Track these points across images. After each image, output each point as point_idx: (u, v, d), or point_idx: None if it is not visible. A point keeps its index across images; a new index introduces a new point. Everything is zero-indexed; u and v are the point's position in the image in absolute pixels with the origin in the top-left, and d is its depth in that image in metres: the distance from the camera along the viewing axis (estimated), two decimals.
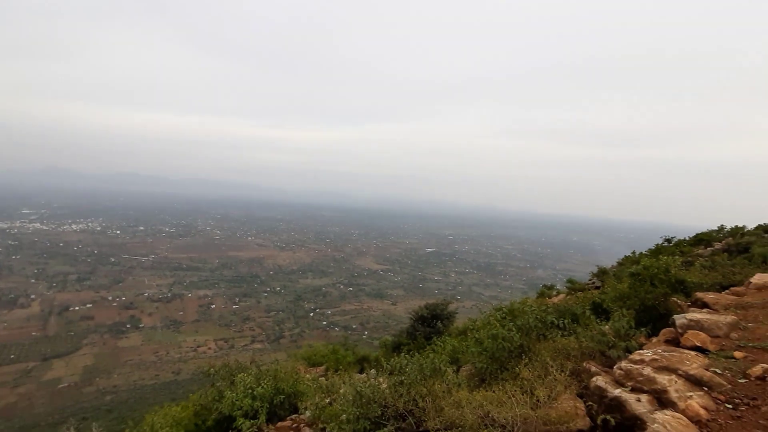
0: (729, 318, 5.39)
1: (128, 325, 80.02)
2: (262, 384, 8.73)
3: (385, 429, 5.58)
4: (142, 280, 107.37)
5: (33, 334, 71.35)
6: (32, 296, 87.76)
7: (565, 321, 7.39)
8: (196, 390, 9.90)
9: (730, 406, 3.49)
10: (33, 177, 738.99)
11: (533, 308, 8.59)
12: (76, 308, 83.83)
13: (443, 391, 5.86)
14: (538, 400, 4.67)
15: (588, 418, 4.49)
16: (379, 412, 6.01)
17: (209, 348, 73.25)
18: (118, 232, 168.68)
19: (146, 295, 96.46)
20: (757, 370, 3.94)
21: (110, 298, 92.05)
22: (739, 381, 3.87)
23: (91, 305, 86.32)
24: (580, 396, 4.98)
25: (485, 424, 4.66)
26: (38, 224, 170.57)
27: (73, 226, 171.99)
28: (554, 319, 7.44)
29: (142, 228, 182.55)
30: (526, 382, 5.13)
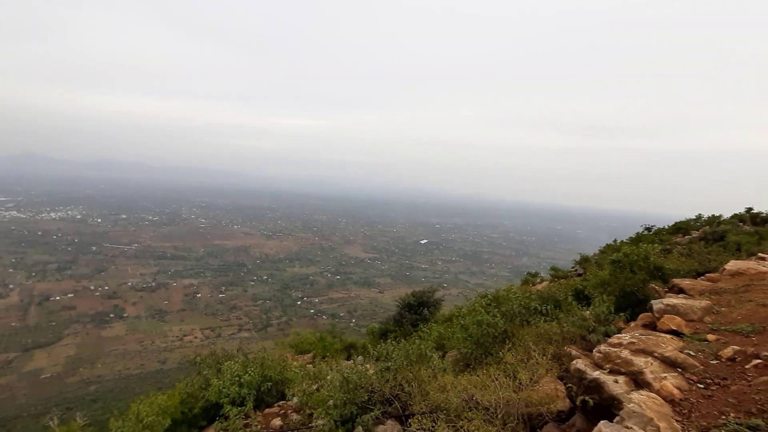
0: (703, 303, 5.59)
1: (111, 315, 78.73)
2: (249, 372, 8.76)
3: (372, 413, 5.68)
4: (125, 269, 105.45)
5: (12, 324, 69.66)
6: (11, 286, 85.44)
7: (548, 307, 7.58)
8: (183, 379, 9.88)
9: (702, 385, 3.65)
10: (8, 163, 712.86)
11: (517, 295, 8.77)
12: (57, 298, 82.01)
13: (429, 376, 5.97)
14: (520, 383, 4.81)
15: (568, 400, 4.65)
16: (366, 397, 6.11)
17: (195, 337, 72.77)
18: (99, 220, 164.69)
19: (130, 284, 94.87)
20: (728, 351, 4.11)
21: (92, 287, 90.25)
22: (711, 362, 4.04)
23: (72, 295, 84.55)
24: (561, 379, 5.14)
25: (469, 407, 4.78)
26: (15, 212, 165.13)
27: (52, 214, 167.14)
28: (537, 305, 7.62)
29: (124, 216, 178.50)
30: (509, 366, 5.26)
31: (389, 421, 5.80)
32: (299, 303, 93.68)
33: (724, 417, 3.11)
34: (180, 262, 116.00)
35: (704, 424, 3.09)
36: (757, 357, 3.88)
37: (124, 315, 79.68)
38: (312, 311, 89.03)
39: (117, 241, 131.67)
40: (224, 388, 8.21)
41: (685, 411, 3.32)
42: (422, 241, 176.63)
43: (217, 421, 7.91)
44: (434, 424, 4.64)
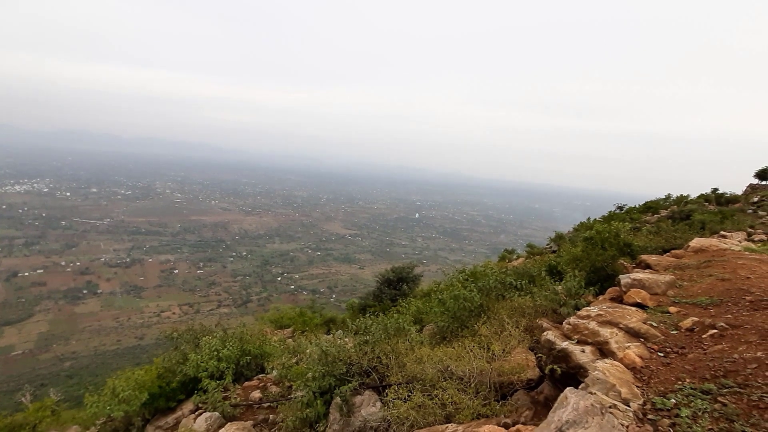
0: (667, 277, 5.87)
1: (85, 291, 76.81)
2: (228, 346, 8.78)
3: (350, 384, 5.81)
4: (97, 244, 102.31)
5: None
6: None
7: (523, 282, 7.81)
8: (161, 354, 9.84)
9: (661, 354, 3.87)
10: None
11: (494, 271, 8.99)
12: (26, 274, 79.16)
13: (406, 349, 6.12)
14: (493, 354, 4.98)
15: (537, 369, 4.86)
16: (344, 370, 6.23)
17: (173, 313, 72.05)
18: (68, 193, 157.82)
19: (103, 260, 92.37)
20: (687, 322, 4.36)
21: (63, 263, 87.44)
22: (672, 332, 4.27)
23: (42, 270, 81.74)
24: (532, 349, 5.36)
25: (444, 377, 4.95)
26: None
27: (17, 187, 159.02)
28: (513, 280, 7.84)
29: (94, 190, 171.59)
30: (483, 338, 5.44)
31: (367, 392, 5.96)
32: (279, 279, 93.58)
33: (680, 382, 3.31)
34: (155, 238, 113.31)
35: (662, 389, 3.29)
36: (714, 327, 4.13)
37: (98, 291, 77.88)
38: (292, 287, 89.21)
39: (88, 215, 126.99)
40: (202, 362, 8.22)
41: (645, 377, 3.52)
42: (415, 215, 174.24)
43: (195, 395, 7.95)
44: (410, 394, 4.79)
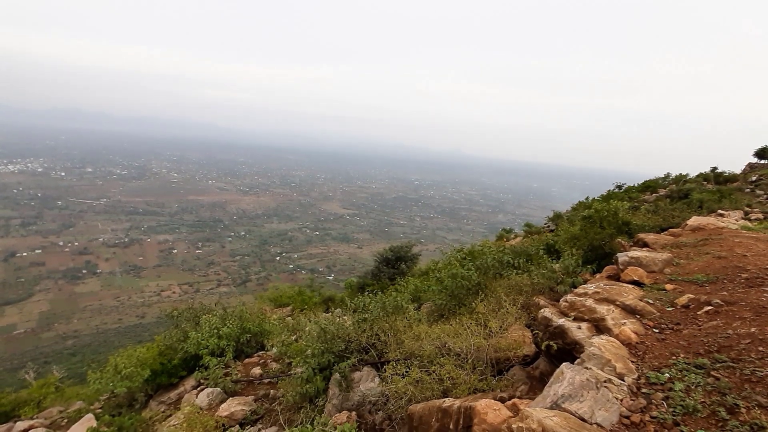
0: (665, 255, 5.89)
1: (84, 271, 77.16)
2: (228, 324, 8.88)
3: (348, 361, 5.89)
4: (94, 224, 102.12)
5: None
6: None
7: (520, 261, 7.84)
8: (162, 332, 9.96)
9: (657, 330, 3.91)
10: None
11: (492, 250, 9.01)
12: (24, 254, 79.22)
13: (404, 326, 6.19)
14: (490, 331, 5.04)
15: (534, 345, 4.93)
16: (343, 347, 6.31)
17: (174, 292, 72.65)
18: (63, 173, 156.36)
19: (101, 240, 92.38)
20: (682, 300, 4.39)
21: (61, 243, 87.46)
22: (667, 309, 4.31)
23: (40, 251, 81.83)
24: (529, 326, 5.42)
25: (442, 354, 5.01)
26: None
27: (10, 167, 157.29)
28: (510, 259, 7.87)
29: (89, 169, 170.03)
30: (481, 316, 5.49)
31: (365, 368, 6.06)
32: (278, 258, 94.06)
33: (674, 357, 3.36)
34: (153, 218, 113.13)
35: (656, 364, 3.34)
36: (709, 304, 4.17)
37: (98, 271, 78.23)
38: (291, 266, 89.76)
39: (84, 195, 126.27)
40: (203, 340, 8.33)
41: (640, 353, 3.57)
42: (421, 193, 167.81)
43: (197, 371, 8.08)
44: (408, 370, 4.87)
